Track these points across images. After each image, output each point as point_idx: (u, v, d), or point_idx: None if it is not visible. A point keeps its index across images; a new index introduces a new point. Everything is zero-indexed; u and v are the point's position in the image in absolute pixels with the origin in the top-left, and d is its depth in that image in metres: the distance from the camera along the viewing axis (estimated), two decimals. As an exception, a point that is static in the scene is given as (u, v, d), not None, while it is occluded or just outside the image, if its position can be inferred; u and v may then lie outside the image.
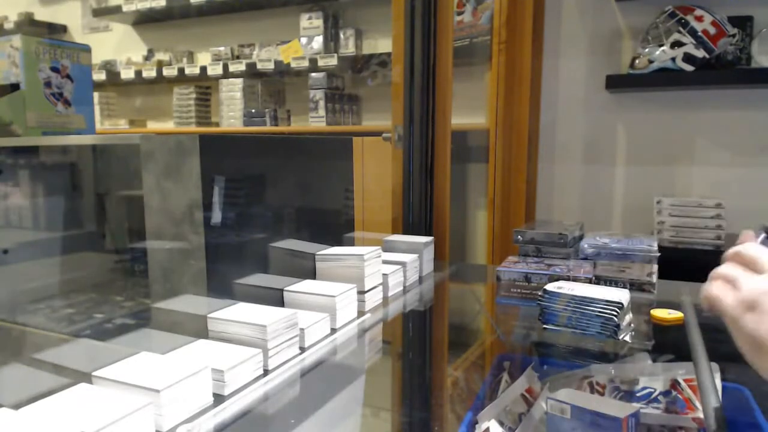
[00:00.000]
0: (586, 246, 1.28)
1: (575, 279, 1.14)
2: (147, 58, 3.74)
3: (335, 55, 3.01)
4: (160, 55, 3.69)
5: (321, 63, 3.02)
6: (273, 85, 3.37)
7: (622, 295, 0.98)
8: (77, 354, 0.97)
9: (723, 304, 0.55)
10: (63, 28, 4.09)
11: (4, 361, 1.04)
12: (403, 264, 1.27)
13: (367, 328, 1.03)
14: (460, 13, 2.61)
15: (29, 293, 1.27)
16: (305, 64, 3.06)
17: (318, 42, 3.07)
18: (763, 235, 0.61)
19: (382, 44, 3.07)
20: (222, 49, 3.43)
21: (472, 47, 2.59)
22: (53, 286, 1.32)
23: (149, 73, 3.54)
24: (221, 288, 0.95)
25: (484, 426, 0.61)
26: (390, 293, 1.20)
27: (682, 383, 0.69)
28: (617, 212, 2.40)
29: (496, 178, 2.36)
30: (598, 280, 1.23)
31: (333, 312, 0.97)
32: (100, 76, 3.65)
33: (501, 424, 0.62)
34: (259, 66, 3.22)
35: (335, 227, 1.37)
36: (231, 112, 3.29)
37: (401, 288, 1.26)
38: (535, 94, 2.41)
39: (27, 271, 1.31)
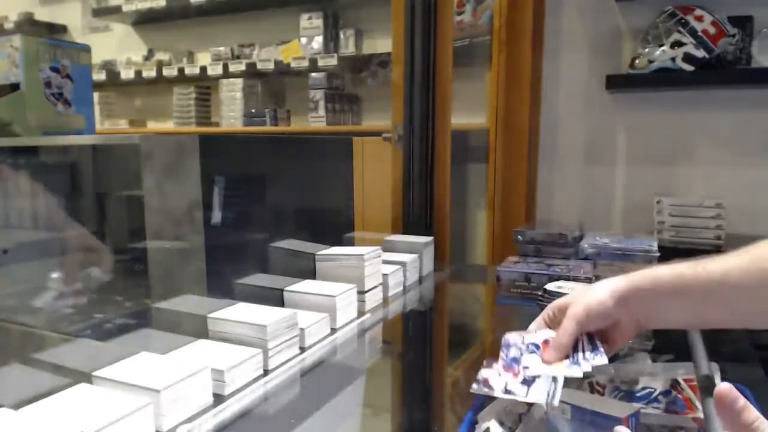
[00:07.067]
0: (586, 246, 1.28)
1: (575, 279, 1.14)
2: (147, 58, 3.74)
3: (335, 55, 3.01)
4: (160, 55, 3.68)
5: (321, 63, 3.02)
6: (273, 85, 3.36)
7: (622, 295, 0.98)
8: (77, 354, 0.97)
9: None
10: (63, 28, 4.08)
11: (4, 361, 1.04)
12: (403, 264, 1.27)
13: (367, 328, 1.03)
14: (460, 13, 2.61)
15: (29, 293, 1.27)
16: (305, 64, 3.06)
17: (318, 42, 3.07)
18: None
19: (382, 44, 3.06)
20: (222, 49, 3.43)
21: (472, 47, 2.58)
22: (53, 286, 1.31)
23: (149, 73, 3.54)
24: (221, 288, 0.95)
25: (484, 426, 0.61)
26: (390, 293, 1.20)
27: (682, 383, 0.69)
28: (617, 212, 2.40)
29: (496, 178, 2.36)
30: (598, 280, 1.23)
31: (333, 312, 0.97)
32: (100, 76, 3.65)
33: (501, 424, 0.62)
34: (259, 66, 3.22)
35: (335, 227, 1.37)
36: (231, 112, 3.29)
37: (401, 288, 1.26)
38: (535, 94, 2.41)
39: (27, 271, 1.31)
